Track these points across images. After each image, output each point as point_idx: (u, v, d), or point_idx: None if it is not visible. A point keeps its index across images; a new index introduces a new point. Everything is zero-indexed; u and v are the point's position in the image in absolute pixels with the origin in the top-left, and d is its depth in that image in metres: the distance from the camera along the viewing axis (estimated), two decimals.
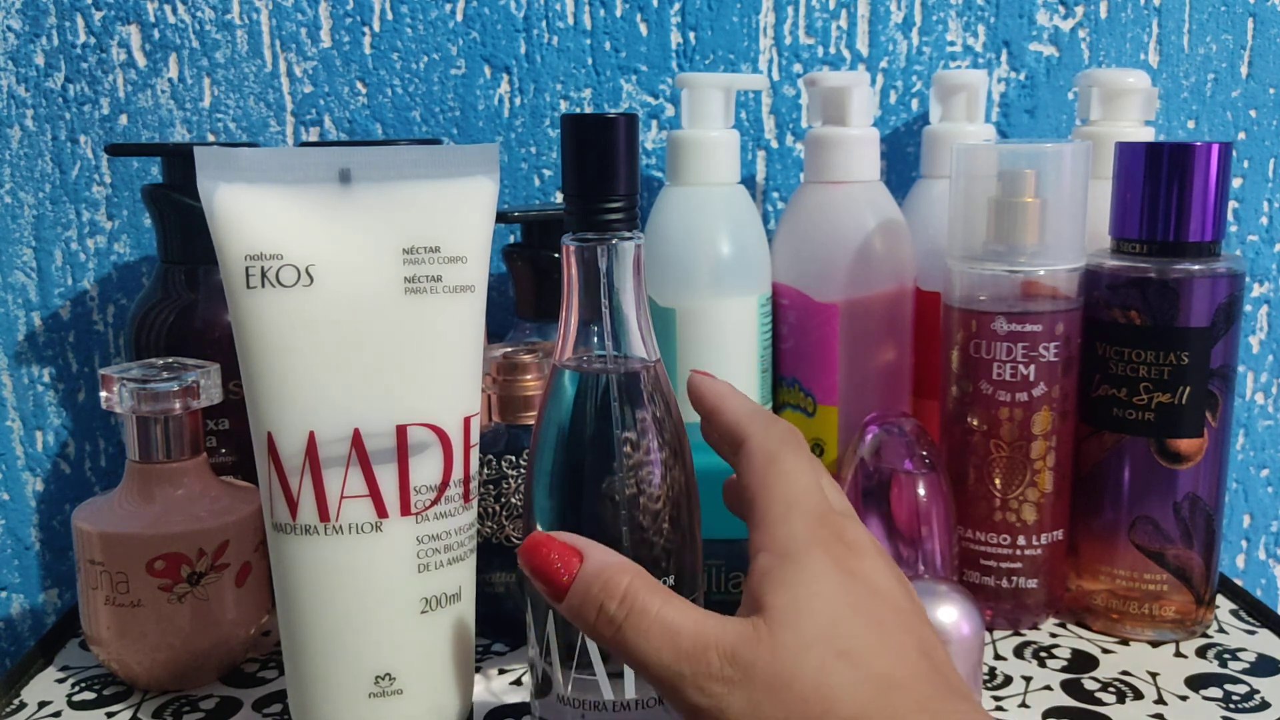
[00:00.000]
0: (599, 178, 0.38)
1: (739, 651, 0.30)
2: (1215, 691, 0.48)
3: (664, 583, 0.39)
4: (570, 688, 0.38)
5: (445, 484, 0.39)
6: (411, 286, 0.38)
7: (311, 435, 0.37)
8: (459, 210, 0.39)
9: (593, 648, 0.38)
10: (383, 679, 0.38)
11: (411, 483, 0.38)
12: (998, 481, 0.52)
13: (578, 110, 0.67)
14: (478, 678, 0.49)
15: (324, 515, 0.37)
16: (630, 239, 0.38)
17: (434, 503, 0.39)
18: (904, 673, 0.31)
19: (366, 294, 0.37)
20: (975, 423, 0.52)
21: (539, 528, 0.40)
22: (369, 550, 0.38)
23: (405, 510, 0.38)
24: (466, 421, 0.39)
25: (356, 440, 0.37)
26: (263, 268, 0.37)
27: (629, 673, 0.38)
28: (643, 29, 0.65)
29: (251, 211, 0.37)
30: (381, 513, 0.38)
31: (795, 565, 0.32)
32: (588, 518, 0.39)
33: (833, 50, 0.66)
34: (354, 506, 0.38)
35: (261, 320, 0.37)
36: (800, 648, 0.30)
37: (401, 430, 0.38)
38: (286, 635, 0.39)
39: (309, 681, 0.39)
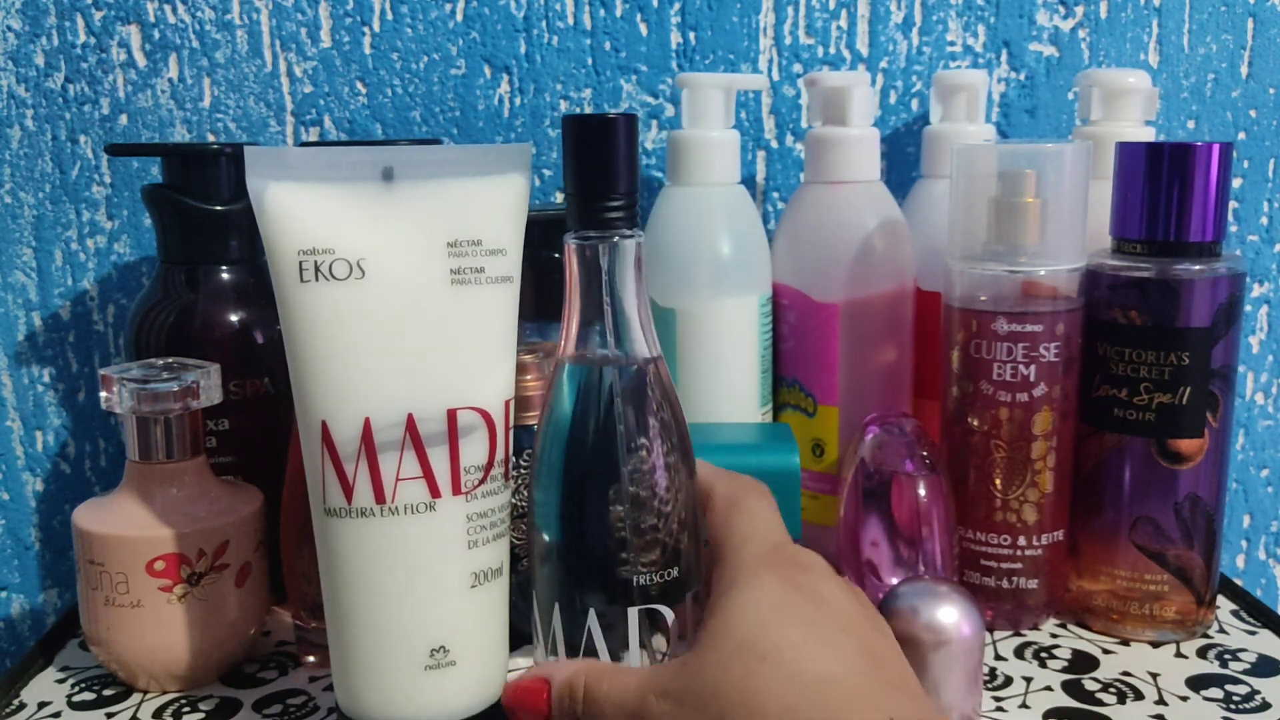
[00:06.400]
0: (599, 177, 0.38)
1: (669, 686, 0.34)
2: (1216, 692, 0.48)
3: (666, 575, 0.39)
4: None
5: (490, 464, 0.40)
6: (457, 278, 0.39)
7: (367, 421, 0.38)
8: (497, 206, 0.40)
9: (599, 646, 0.38)
10: (437, 652, 0.40)
11: (462, 463, 0.39)
12: (998, 482, 0.52)
13: (578, 110, 0.67)
14: None
15: (380, 498, 0.39)
16: (631, 237, 0.38)
17: (481, 481, 0.40)
18: (838, 670, 0.32)
19: (416, 285, 0.39)
20: (975, 423, 0.52)
21: (541, 528, 0.40)
22: (424, 529, 0.39)
23: (456, 490, 0.39)
24: (506, 404, 0.41)
25: (410, 425, 0.39)
26: (315, 262, 0.38)
27: None
28: (643, 29, 0.65)
29: (302, 208, 0.38)
30: (435, 493, 0.39)
31: (738, 588, 0.35)
32: (591, 516, 0.39)
33: (833, 50, 0.66)
34: (409, 488, 0.39)
35: (316, 312, 0.38)
36: (723, 660, 0.33)
37: (452, 414, 0.39)
38: (338, 618, 0.40)
39: (364, 660, 0.40)
